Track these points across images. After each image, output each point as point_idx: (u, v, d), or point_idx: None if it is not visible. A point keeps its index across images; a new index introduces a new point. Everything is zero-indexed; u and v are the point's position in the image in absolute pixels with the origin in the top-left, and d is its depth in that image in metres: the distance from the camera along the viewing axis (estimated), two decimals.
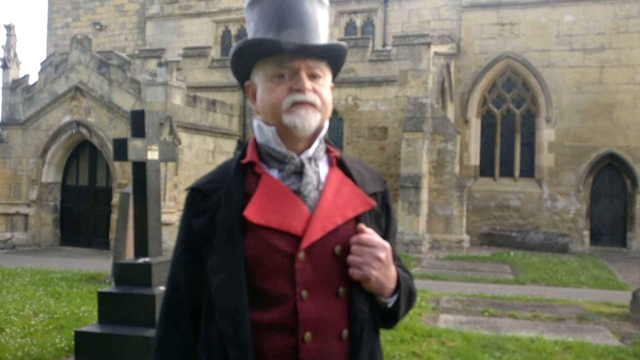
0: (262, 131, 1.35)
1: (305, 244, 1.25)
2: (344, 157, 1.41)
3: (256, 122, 1.38)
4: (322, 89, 1.33)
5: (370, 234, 1.28)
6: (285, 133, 1.32)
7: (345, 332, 1.28)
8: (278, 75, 1.31)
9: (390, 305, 1.34)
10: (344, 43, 1.36)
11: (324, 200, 1.30)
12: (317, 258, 1.26)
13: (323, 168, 1.37)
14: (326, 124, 1.39)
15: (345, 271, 1.28)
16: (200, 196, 1.35)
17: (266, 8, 1.32)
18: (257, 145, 1.37)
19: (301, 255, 1.25)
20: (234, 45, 1.34)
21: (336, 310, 1.27)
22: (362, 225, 1.30)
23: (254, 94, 1.39)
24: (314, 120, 1.31)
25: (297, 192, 1.30)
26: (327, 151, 1.41)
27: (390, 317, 1.37)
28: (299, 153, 1.34)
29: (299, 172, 1.32)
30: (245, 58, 1.35)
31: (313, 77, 1.32)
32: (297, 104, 1.29)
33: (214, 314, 1.27)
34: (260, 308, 1.25)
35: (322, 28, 1.35)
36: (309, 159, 1.34)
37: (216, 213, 1.30)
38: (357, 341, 1.28)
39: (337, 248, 1.28)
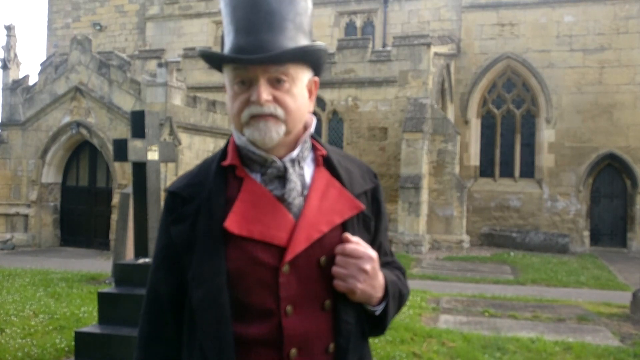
0: (239, 133, 1.28)
1: (289, 256, 1.19)
2: (330, 155, 1.32)
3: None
4: (285, 96, 1.22)
5: (355, 244, 1.22)
6: (257, 145, 1.25)
7: (331, 346, 1.23)
8: (238, 82, 1.23)
9: (377, 313, 1.29)
10: (319, 44, 1.25)
11: (309, 207, 1.23)
12: (302, 270, 1.21)
13: (308, 169, 1.29)
14: (313, 123, 1.32)
15: (331, 282, 1.23)
16: (179, 200, 1.28)
17: (229, 3, 1.24)
18: (237, 147, 1.29)
19: (285, 268, 1.19)
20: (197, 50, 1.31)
21: (322, 324, 1.23)
22: (347, 235, 1.23)
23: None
24: (275, 132, 1.21)
25: (281, 199, 1.23)
26: (314, 148, 1.33)
27: (377, 325, 1.32)
28: (282, 156, 1.26)
29: (282, 177, 1.25)
30: (212, 65, 1.30)
31: (277, 81, 1.21)
32: (255, 117, 1.21)
33: (196, 328, 1.22)
34: (245, 322, 1.19)
35: (293, 20, 1.22)
36: (293, 161, 1.26)
37: (196, 221, 1.23)
38: (342, 354, 1.23)
39: (323, 259, 1.22)
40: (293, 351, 1.19)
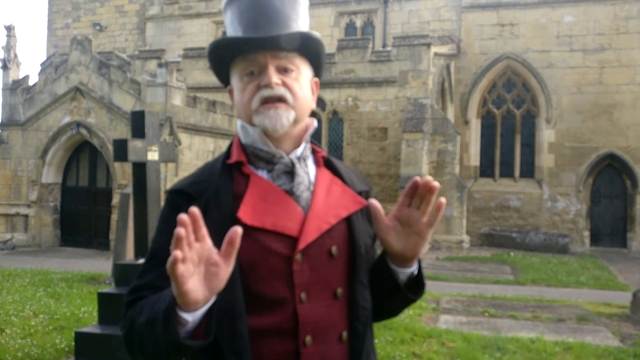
0: (247, 132, 1.30)
1: (302, 245, 1.22)
2: (330, 157, 1.38)
3: (240, 123, 1.33)
4: (294, 82, 1.28)
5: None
6: (267, 133, 1.28)
7: (344, 334, 1.25)
8: (248, 73, 1.28)
9: (416, 272, 1.31)
10: (315, 33, 1.30)
11: (316, 200, 1.27)
12: (314, 259, 1.23)
13: (311, 168, 1.34)
14: (314, 123, 1.35)
15: (343, 271, 1.26)
16: (185, 198, 1.26)
17: (236, 10, 1.29)
18: (242, 146, 1.32)
19: (298, 256, 1.22)
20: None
21: (335, 312, 1.25)
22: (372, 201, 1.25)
23: (233, 97, 1.36)
24: (285, 118, 1.25)
25: (290, 193, 1.26)
26: (313, 151, 1.37)
27: (418, 285, 1.33)
28: (287, 153, 1.30)
29: (290, 172, 1.28)
30: (220, 64, 1.33)
31: (284, 71, 1.28)
32: (265, 102, 1.25)
33: None
34: (257, 313, 1.20)
35: (296, 21, 1.29)
36: (298, 158, 1.30)
37: (204, 216, 1.21)
38: (359, 340, 1.26)
39: (334, 248, 1.25)
40: (308, 338, 1.21)
